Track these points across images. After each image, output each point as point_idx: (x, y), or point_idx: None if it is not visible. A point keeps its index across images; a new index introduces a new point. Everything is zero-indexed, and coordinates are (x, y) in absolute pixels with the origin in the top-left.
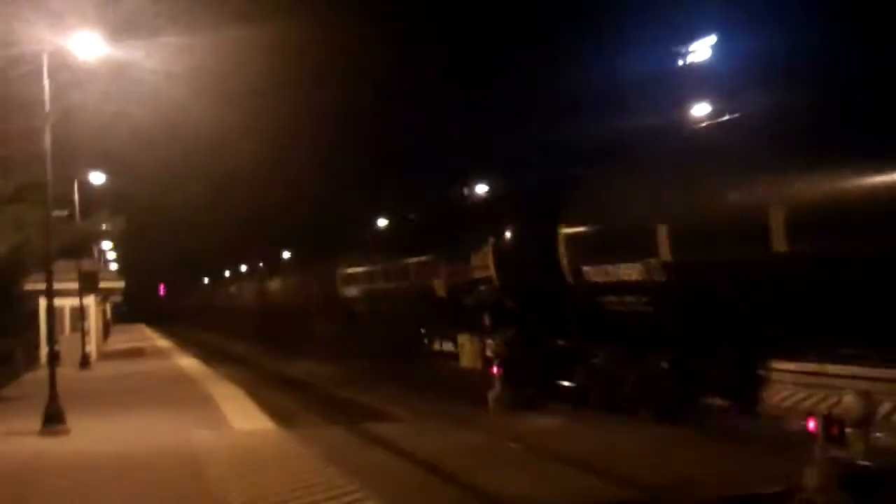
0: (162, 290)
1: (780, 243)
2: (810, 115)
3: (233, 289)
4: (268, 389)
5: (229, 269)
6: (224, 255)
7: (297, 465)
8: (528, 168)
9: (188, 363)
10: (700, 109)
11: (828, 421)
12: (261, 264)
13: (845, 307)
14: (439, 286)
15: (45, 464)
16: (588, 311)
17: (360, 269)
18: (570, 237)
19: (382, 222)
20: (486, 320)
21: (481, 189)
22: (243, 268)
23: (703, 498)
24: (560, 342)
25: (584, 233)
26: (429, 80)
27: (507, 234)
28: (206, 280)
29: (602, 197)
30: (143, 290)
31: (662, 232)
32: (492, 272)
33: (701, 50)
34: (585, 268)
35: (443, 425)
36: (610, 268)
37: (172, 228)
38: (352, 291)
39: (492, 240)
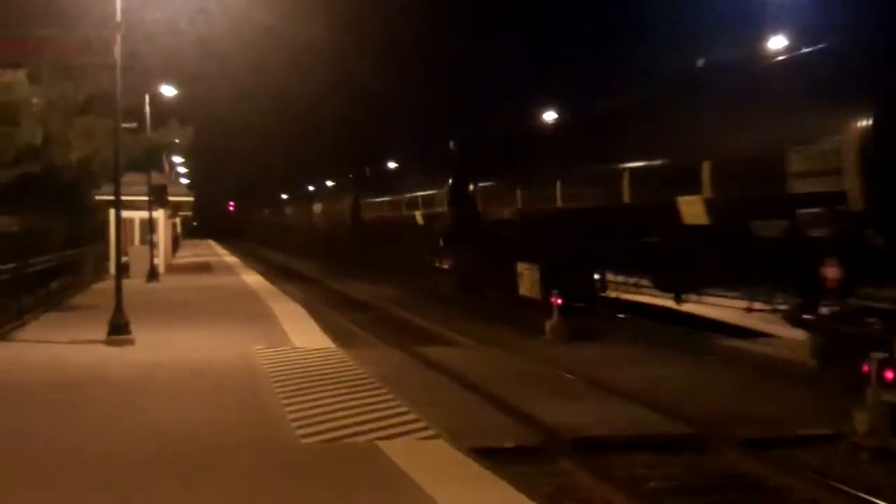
0: (232, 206)
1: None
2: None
3: (299, 208)
4: (330, 308)
5: (297, 188)
6: (293, 174)
7: (353, 384)
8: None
9: (253, 279)
10: (777, 42)
11: (882, 364)
12: (329, 183)
13: None
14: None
15: (107, 372)
16: None
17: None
18: None
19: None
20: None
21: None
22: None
23: (751, 435)
24: None
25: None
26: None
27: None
28: (276, 198)
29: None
30: (213, 206)
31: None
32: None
33: None
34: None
35: (498, 351)
36: None
37: (242, 145)
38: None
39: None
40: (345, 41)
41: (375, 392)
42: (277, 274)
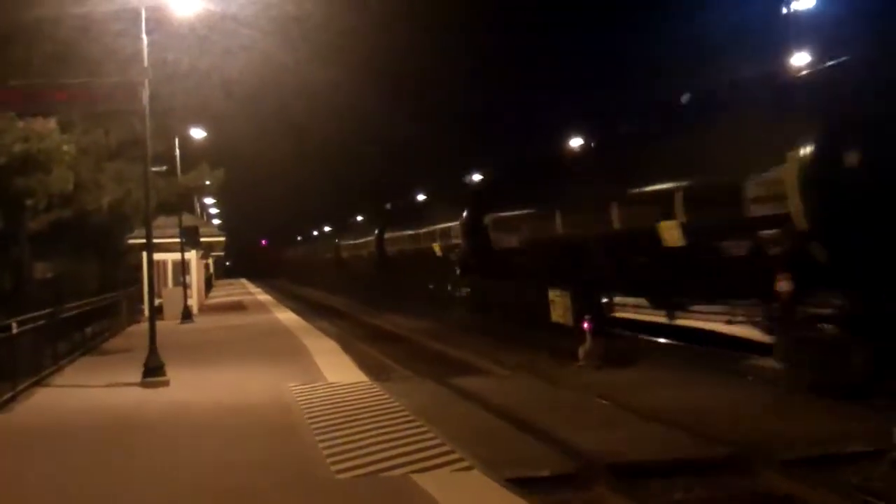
0: (264, 244)
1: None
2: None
3: (329, 244)
4: (362, 342)
5: (328, 225)
6: (323, 210)
7: (387, 417)
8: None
9: (285, 316)
10: (801, 59)
11: None
12: (357, 218)
13: None
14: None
15: (143, 414)
16: None
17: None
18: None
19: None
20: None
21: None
22: (358, 218)
23: (790, 456)
24: None
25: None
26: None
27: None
28: (306, 234)
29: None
30: (245, 245)
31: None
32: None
33: None
34: None
35: (531, 379)
36: None
37: (271, 184)
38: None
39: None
40: (364, 81)
41: (409, 425)
42: (310, 310)
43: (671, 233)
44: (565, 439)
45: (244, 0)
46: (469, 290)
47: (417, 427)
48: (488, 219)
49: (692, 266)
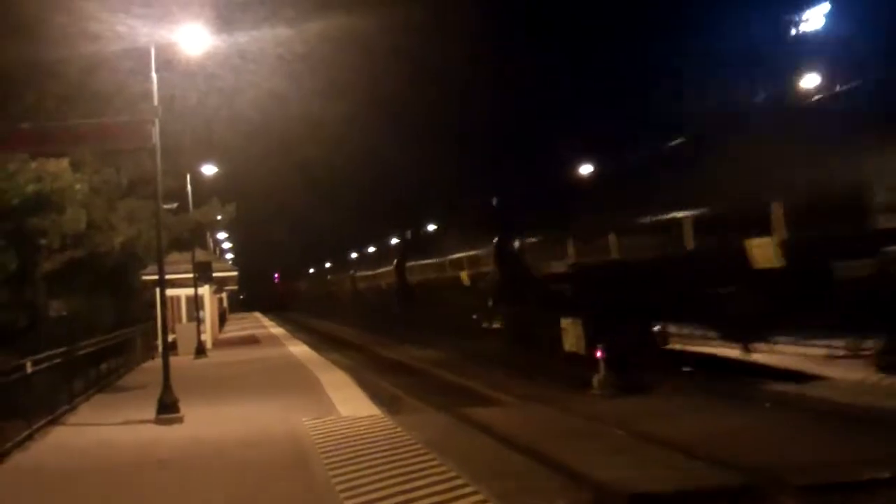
0: (277, 278)
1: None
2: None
3: (342, 276)
4: (375, 374)
5: (340, 257)
6: (335, 243)
7: (400, 451)
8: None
9: (299, 350)
10: (810, 81)
11: None
12: (370, 249)
13: None
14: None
15: (157, 451)
16: None
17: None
18: None
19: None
20: None
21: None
22: (353, 255)
23: (806, 484)
24: None
25: None
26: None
27: None
28: (319, 267)
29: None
30: (259, 278)
31: None
32: None
33: (814, 18)
34: None
35: (545, 409)
36: None
37: (281, 217)
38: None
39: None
40: (370, 114)
41: (422, 458)
42: (323, 343)
43: (764, 251)
44: (581, 470)
45: (251, 37)
46: (505, 321)
47: (431, 460)
48: (523, 243)
49: (788, 291)
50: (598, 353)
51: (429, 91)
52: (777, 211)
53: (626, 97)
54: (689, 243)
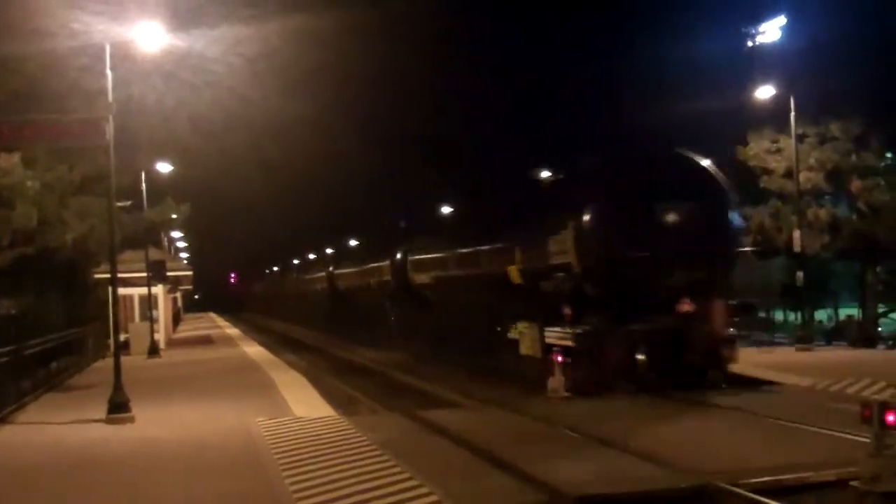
0: (233, 278)
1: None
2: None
3: (299, 277)
4: (330, 376)
5: (296, 258)
6: (291, 244)
7: (355, 452)
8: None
9: (253, 350)
10: (766, 92)
11: (883, 408)
12: (329, 251)
13: None
14: (514, 273)
15: (107, 451)
16: None
17: (430, 256)
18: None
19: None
20: (566, 310)
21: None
22: (311, 256)
23: (759, 485)
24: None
25: None
26: (494, 65)
27: (590, 216)
28: (274, 268)
29: None
30: (214, 279)
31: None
32: (572, 258)
33: (770, 31)
34: None
35: (500, 412)
36: None
37: (239, 218)
38: (423, 279)
39: (572, 223)
40: (332, 116)
41: (377, 459)
42: (278, 344)
43: (514, 274)
44: (534, 472)
45: (211, 36)
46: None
47: (386, 461)
48: (407, 259)
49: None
50: (555, 357)
51: (389, 94)
52: (518, 253)
53: (576, 112)
54: (484, 267)
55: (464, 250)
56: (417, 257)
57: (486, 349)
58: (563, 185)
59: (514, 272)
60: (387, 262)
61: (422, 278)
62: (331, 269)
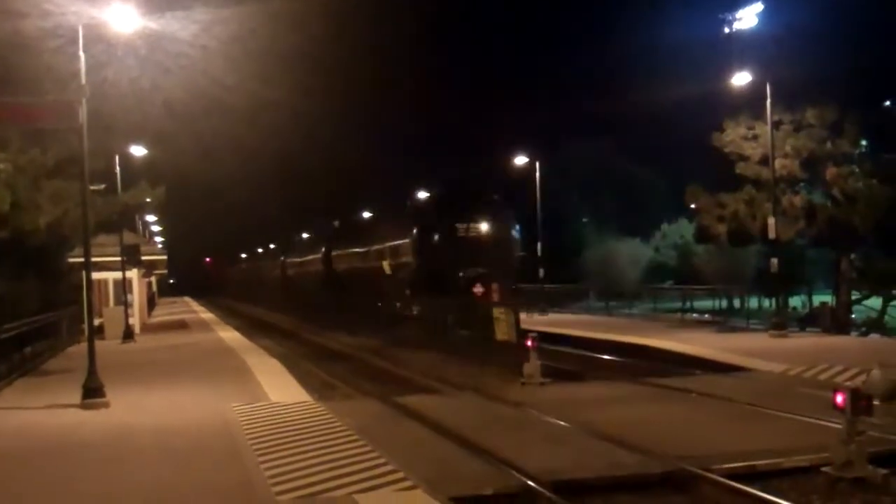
0: (208, 263)
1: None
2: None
3: (263, 263)
4: (306, 360)
5: (270, 243)
6: (266, 229)
7: (331, 438)
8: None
9: (229, 335)
10: (742, 78)
11: (856, 395)
12: (302, 237)
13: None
14: (386, 266)
15: (82, 436)
16: None
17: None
18: None
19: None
20: (408, 291)
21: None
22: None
23: (730, 470)
24: None
25: None
26: (462, 56)
27: (418, 234)
28: (243, 255)
29: None
30: (189, 263)
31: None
32: (411, 259)
33: (747, 17)
34: None
35: (476, 397)
36: None
37: (214, 202)
38: (341, 267)
39: (409, 238)
40: (307, 100)
41: (353, 444)
42: (254, 329)
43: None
44: (509, 457)
45: (185, 19)
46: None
47: (361, 447)
48: (330, 252)
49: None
50: (529, 343)
51: (367, 78)
52: (388, 253)
53: (556, 98)
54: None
55: (362, 249)
56: (337, 252)
57: (389, 320)
58: (408, 211)
59: (386, 266)
60: (319, 255)
61: (340, 267)
62: (282, 258)
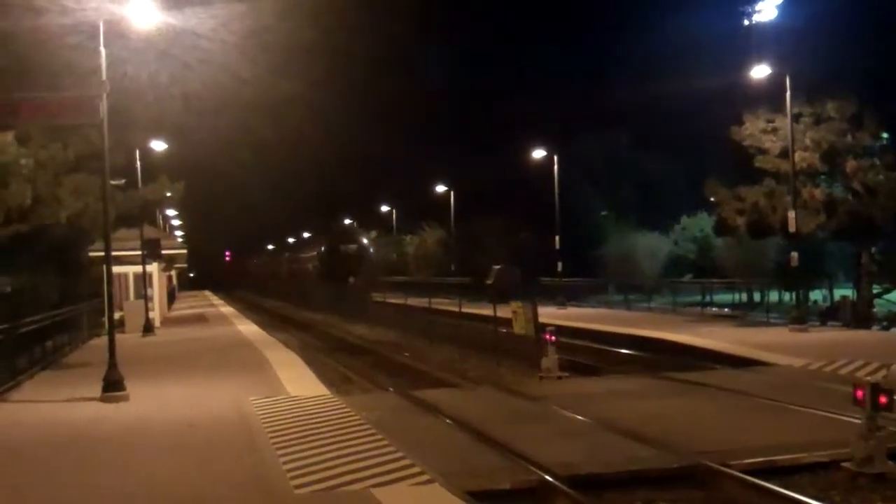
0: (228, 257)
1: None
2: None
3: (286, 257)
4: (324, 354)
5: (290, 237)
6: (285, 223)
7: (348, 431)
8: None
9: (248, 329)
10: (761, 71)
11: (875, 390)
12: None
13: None
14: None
15: (101, 429)
16: None
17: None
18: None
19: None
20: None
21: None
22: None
23: (750, 465)
24: None
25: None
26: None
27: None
28: (269, 247)
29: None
30: (209, 257)
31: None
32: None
33: (767, 9)
34: None
35: (493, 391)
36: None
37: (233, 196)
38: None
39: (317, 252)
40: (324, 94)
41: (370, 438)
42: (273, 322)
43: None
44: (526, 451)
45: (204, 14)
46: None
47: (378, 440)
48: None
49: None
50: (547, 337)
51: (384, 70)
52: (315, 258)
53: (574, 91)
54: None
55: (303, 255)
56: (296, 255)
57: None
58: (320, 236)
59: (310, 266)
60: (285, 257)
61: (294, 266)
62: (285, 255)
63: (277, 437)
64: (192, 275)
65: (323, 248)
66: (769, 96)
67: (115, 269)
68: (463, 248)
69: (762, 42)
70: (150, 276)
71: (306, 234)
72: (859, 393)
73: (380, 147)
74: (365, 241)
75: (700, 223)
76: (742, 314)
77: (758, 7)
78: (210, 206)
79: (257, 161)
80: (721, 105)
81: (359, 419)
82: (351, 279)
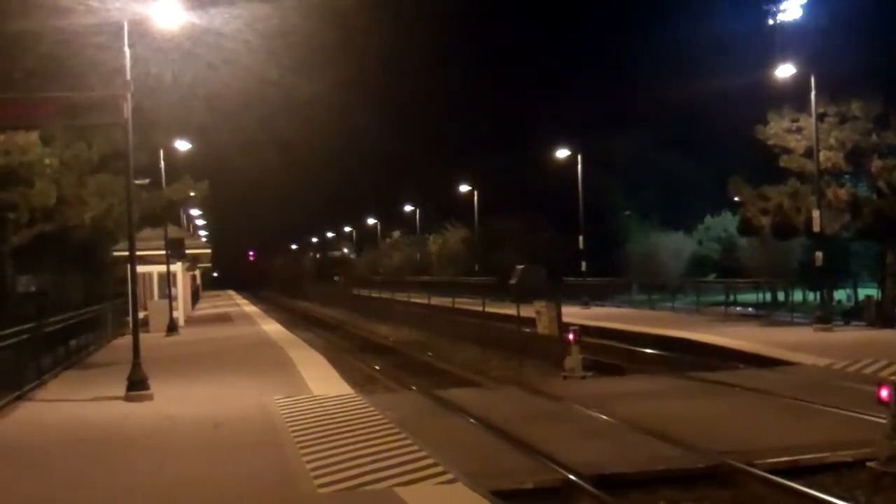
0: (252, 256)
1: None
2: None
3: (312, 257)
4: (348, 354)
5: (315, 236)
6: (308, 223)
7: (372, 430)
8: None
9: (272, 328)
10: (786, 70)
11: None
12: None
13: None
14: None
15: (126, 429)
16: None
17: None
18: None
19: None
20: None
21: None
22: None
23: (774, 465)
24: None
25: None
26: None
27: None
28: (293, 247)
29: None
30: (233, 256)
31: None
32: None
33: (792, 8)
34: None
35: (517, 390)
36: None
37: (257, 195)
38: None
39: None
40: (348, 94)
41: (394, 437)
42: (296, 321)
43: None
44: (550, 451)
45: (228, 14)
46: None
47: (402, 440)
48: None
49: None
50: (571, 336)
51: (408, 70)
52: (307, 260)
53: (598, 91)
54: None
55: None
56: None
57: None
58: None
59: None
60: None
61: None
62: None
63: (301, 436)
64: (215, 274)
65: (314, 254)
66: (793, 96)
67: (140, 268)
68: (486, 248)
69: (786, 41)
70: (174, 275)
71: (330, 235)
72: (884, 392)
73: (403, 147)
74: (346, 250)
75: (724, 223)
76: (766, 314)
77: (782, 6)
78: (234, 206)
79: (281, 161)
80: (745, 104)
81: (382, 418)
82: (336, 278)
